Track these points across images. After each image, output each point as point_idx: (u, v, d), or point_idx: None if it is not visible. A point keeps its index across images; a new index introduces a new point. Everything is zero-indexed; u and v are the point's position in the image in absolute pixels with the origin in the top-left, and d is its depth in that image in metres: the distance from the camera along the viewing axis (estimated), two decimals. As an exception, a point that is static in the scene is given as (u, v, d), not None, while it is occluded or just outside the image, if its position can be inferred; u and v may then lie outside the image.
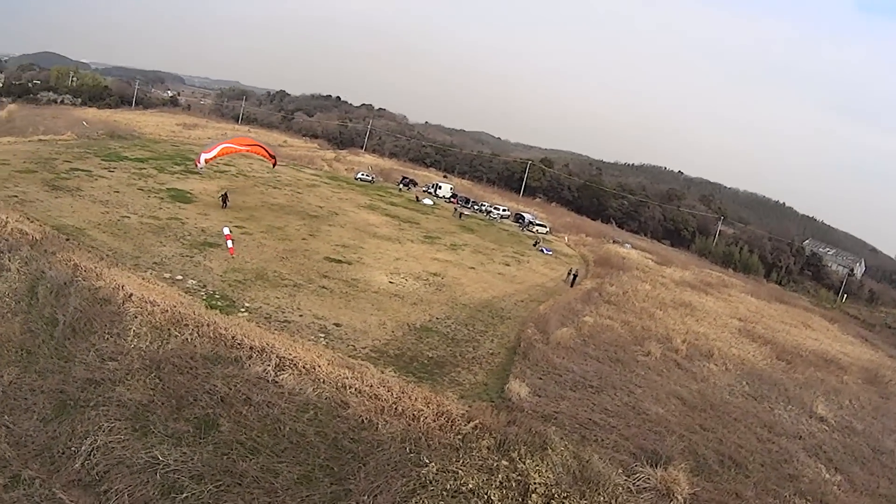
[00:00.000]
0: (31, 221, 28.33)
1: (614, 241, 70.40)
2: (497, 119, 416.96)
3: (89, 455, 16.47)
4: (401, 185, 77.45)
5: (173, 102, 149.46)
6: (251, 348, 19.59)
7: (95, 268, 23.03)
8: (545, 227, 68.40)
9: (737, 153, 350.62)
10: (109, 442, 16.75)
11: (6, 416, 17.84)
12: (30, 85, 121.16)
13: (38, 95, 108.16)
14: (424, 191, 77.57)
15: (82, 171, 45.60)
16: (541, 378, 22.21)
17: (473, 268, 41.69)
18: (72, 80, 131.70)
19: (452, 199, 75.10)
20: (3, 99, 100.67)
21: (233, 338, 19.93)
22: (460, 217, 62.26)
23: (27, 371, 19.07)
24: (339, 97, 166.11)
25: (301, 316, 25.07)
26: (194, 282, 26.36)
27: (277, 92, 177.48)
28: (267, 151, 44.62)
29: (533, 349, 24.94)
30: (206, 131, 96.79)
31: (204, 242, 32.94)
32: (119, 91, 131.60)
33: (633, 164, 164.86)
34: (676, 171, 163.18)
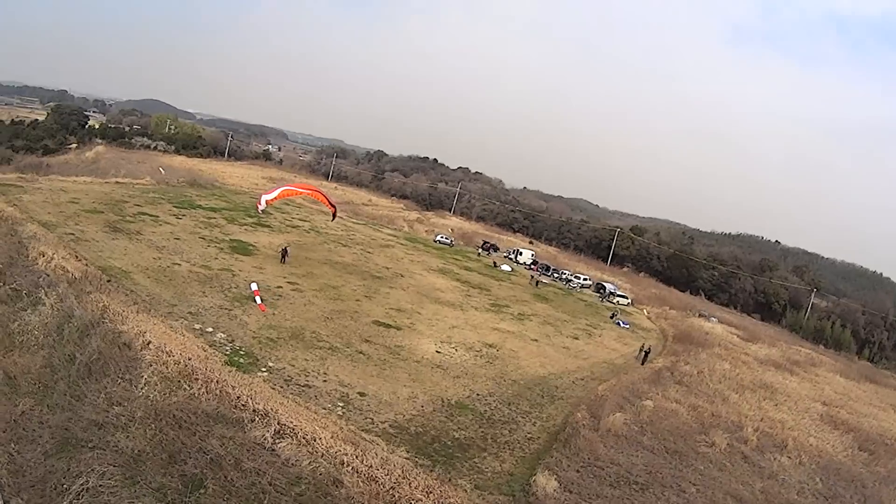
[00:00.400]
0: (78, 259, 32.29)
1: (700, 315, 72.33)
2: (596, 186, 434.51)
3: (78, 495, 17.88)
4: (480, 250, 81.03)
5: (266, 156, 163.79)
6: (255, 411, 20.59)
7: (123, 311, 25.71)
8: (627, 298, 70.10)
9: (836, 223, 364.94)
10: (99, 486, 18.10)
11: (13, 445, 19.99)
12: (126, 129, 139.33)
13: (133, 140, 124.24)
14: (505, 256, 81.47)
15: (149, 215, 51.70)
16: (578, 471, 21.25)
17: (536, 340, 41.83)
18: (169, 128, 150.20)
19: (532, 266, 77.94)
20: (98, 141, 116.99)
21: (238, 398, 21.11)
22: (536, 285, 65.17)
23: (40, 404, 21.37)
24: (435, 159, 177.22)
25: (325, 381, 25.97)
26: (223, 335, 28.38)
27: (375, 152, 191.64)
28: (328, 199, 48.47)
29: (577, 436, 24.13)
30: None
31: (249, 296, 35.26)
32: (213, 142, 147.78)
33: (728, 234, 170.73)
34: (773, 240, 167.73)
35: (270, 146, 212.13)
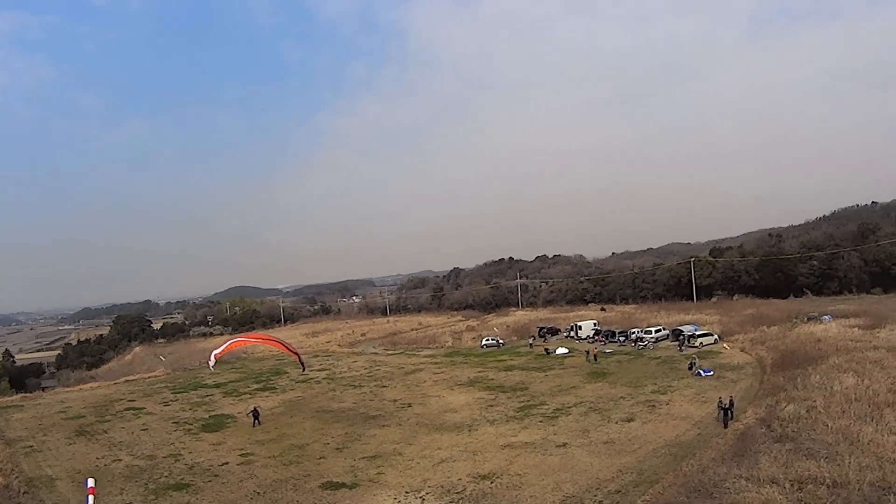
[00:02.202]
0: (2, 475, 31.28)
1: (808, 319, 64.89)
2: (682, 225, 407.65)
3: None
4: (532, 340, 75.11)
5: (324, 311, 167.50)
6: None
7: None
8: (711, 336, 63.04)
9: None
10: None
11: None
12: (186, 323, 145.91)
13: (191, 332, 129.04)
14: (566, 336, 77.08)
15: (134, 409, 49.68)
16: None
17: (565, 444, 32.50)
18: (228, 311, 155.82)
19: (595, 338, 71.27)
20: (160, 340, 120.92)
21: None
22: (595, 360, 58.46)
23: None
24: (511, 258, 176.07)
25: None
26: None
27: (452, 270, 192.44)
28: (286, 347, 46.09)
29: None
30: (327, 335, 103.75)
31: (178, 484, 30.33)
32: (270, 312, 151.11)
33: (821, 217, 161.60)
34: (869, 203, 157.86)
35: (355, 297, 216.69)
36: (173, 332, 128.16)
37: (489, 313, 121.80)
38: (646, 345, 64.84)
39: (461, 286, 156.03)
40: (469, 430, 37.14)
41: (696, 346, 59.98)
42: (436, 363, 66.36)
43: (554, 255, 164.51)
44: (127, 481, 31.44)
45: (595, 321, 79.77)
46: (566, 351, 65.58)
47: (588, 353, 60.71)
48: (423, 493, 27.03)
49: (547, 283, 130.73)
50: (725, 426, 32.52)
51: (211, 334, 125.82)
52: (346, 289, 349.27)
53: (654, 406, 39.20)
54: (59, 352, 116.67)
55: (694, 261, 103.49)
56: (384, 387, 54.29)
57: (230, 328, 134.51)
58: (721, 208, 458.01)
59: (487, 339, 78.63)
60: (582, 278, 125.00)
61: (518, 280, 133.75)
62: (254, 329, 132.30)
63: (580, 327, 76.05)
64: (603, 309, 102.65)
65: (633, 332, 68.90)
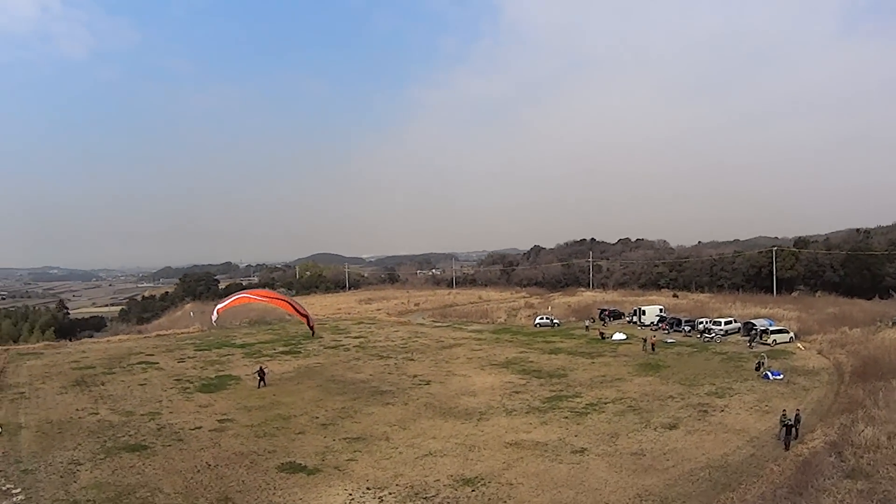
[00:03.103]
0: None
1: (893, 324, 57.65)
2: (769, 218, 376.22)
3: None
4: (588, 323, 69.43)
5: (391, 280, 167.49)
6: None
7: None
8: (787, 333, 56.51)
9: None
10: None
11: None
12: (243, 285, 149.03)
13: None
14: (628, 321, 71.31)
15: (146, 364, 48.59)
16: None
17: (584, 450, 26.98)
18: (297, 274, 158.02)
19: (660, 325, 65.71)
20: (188, 300, 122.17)
21: None
22: (651, 350, 52.59)
23: None
24: (592, 238, 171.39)
25: None
26: (21, 497, 22.02)
27: (532, 248, 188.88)
28: (295, 309, 42.71)
29: None
30: (381, 303, 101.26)
31: (136, 445, 27.91)
32: (335, 278, 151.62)
33: None
34: None
35: (434, 270, 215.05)
36: (233, 292, 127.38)
37: (556, 292, 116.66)
38: (712, 337, 58.60)
39: (540, 265, 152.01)
40: (478, 420, 32.29)
41: (769, 344, 53.85)
42: (479, 339, 61.91)
43: (637, 239, 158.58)
44: (89, 436, 29.33)
45: (661, 307, 72.85)
46: (623, 337, 60.03)
47: (645, 341, 54.47)
48: (385, 491, 22.58)
49: (622, 265, 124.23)
50: (787, 447, 26.49)
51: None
52: (427, 261, 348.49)
53: (705, 412, 32.77)
54: (122, 307, 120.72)
55: (776, 250, 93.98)
56: (412, 360, 50.44)
57: (294, 291, 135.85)
58: (809, 203, 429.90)
59: (541, 318, 73.47)
60: (658, 262, 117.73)
61: (590, 259, 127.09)
62: (316, 292, 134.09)
63: (644, 312, 69.77)
64: (675, 295, 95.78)
65: (701, 322, 62.45)
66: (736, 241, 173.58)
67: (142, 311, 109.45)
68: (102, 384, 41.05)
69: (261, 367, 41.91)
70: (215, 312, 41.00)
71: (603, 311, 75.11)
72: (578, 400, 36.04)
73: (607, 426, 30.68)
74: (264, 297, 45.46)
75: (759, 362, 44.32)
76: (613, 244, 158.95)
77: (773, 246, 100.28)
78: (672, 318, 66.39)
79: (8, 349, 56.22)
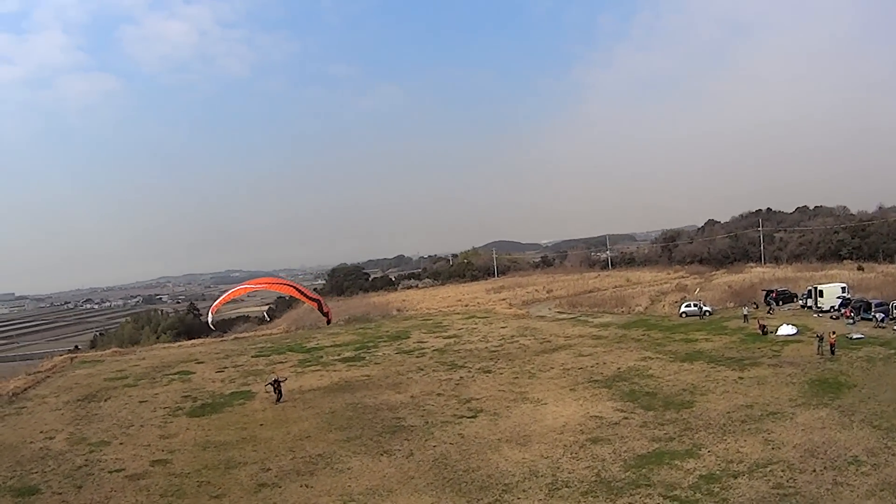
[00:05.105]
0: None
1: None
2: None
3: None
4: (746, 311, 54.27)
5: (546, 264, 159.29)
6: None
7: None
8: None
9: None
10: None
11: None
12: (392, 278, 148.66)
13: (399, 284, 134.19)
14: (802, 306, 56.46)
15: (179, 374, 45.11)
16: None
17: None
18: (452, 263, 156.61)
19: (843, 311, 50.01)
20: (371, 293, 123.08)
21: None
22: (830, 353, 38.11)
23: None
24: (769, 208, 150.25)
25: None
26: None
27: (707, 222, 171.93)
28: (305, 295, 39.77)
29: None
30: (508, 292, 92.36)
31: (29, 489, 23.49)
32: (484, 265, 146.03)
33: None
34: None
35: (608, 252, 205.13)
36: (382, 285, 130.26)
37: (720, 269, 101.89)
38: None
39: (708, 240, 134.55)
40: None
41: None
42: (597, 337, 50.37)
43: (815, 207, 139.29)
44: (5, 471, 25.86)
45: (844, 285, 56.13)
46: (793, 331, 45.62)
47: (821, 339, 38.99)
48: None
49: (795, 234, 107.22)
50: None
51: (416, 286, 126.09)
52: (601, 243, 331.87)
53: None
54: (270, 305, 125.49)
55: None
56: (488, 372, 40.35)
57: (440, 280, 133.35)
58: None
59: (687, 305, 60.10)
60: (838, 227, 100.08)
61: (760, 229, 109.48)
62: (458, 279, 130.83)
63: (821, 293, 54.22)
64: (860, 268, 79.53)
65: None
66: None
67: (287, 307, 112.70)
68: (106, 400, 37.77)
69: (276, 379, 36.27)
70: (209, 314, 39.65)
71: (769, 292, 60.08)
72: (691, 464, 22.50)
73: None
74: (264, 284, 44.38)
75: None
76: (791, 213, 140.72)
77: None
78: (859, 300, 50.87)
79: (75, 356, 56.59)
